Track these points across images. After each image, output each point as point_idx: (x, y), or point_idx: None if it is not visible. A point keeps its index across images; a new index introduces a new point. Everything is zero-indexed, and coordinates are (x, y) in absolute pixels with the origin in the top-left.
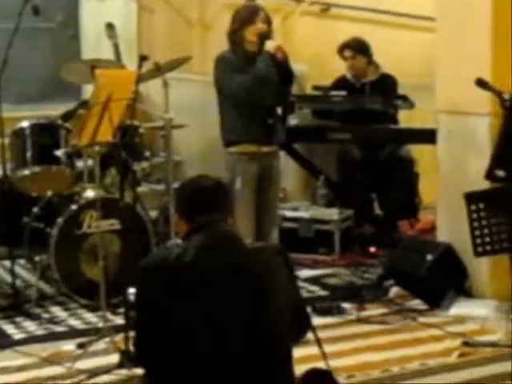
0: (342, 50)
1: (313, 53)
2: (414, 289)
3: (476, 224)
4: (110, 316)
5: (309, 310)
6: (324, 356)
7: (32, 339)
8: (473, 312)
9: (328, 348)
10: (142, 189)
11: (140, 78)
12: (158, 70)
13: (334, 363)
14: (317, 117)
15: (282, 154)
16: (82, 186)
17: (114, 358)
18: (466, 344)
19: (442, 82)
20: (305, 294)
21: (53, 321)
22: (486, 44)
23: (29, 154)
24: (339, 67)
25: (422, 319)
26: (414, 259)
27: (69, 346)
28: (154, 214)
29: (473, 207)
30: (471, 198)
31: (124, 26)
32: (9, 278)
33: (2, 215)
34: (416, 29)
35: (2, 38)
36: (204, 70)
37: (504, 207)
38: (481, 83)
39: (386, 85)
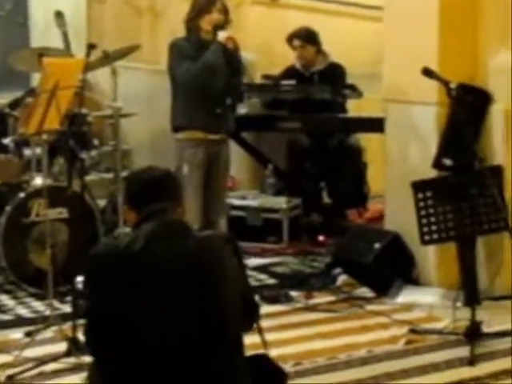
0: (290, 39)
1: (263, 42)
2: (361, 277)
3: (423, 212)
4: (57, 304)
5: (257, 298)
6: (265, 345)
7: None
8: (420, 300)
9: (276, 336)
10: (91, 177)
11: (88, 67)
12: (107, 59)
13: (282, 351)
14: (266, 106)
15: (231, 142)
16: (30, 175)
17: (62, 347)
18: (412, 331)
19: (389, 71)
20: (253, 283)
21: (0, 309)
22: (433, 34)
23: None
24: (289, 56)
25: (369, 307)
26: (362, 248)
27: (16, 334)
28: (102, 202)
29: (420, 196)
30: (418, 186)
31: (73, 15)
32: None
33: None
34: (365, 18)
35: None
36: (153, 58)
37: (451, 196)
38: (427, 72)
39: (335, 74)
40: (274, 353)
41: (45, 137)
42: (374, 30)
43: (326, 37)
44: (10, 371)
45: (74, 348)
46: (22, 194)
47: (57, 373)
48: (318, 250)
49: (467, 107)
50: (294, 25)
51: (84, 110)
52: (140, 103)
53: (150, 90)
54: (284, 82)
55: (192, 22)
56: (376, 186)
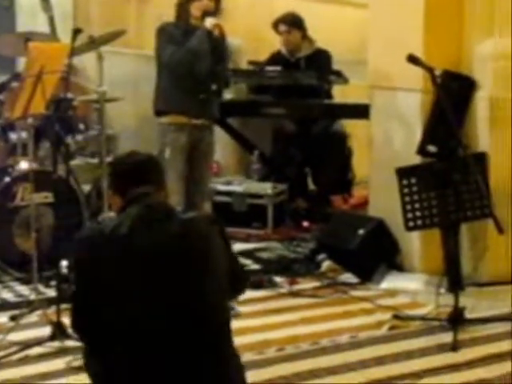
0: (276, 24)
1: (249, 27)
2: (345, 263)
3: (407, 199)
4: (42, 289)
5: None
6: None
7: None
8: (403, 286)
9: (259, 321)
10: (76, 162)
11: (73, 51)
12: (93, 44)
13: (265, 336)
14: (252, 92)
15: (217, 128)
16: (16, 159)
17: (46, 331)
18: (396, 317)
19: (374, 58)
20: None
21: None
22: (418, 20)
23: None
24: (275, 42)
25: (353, 293)
26: (346, 234)
27: (1, 318)
28: (87, 187)
29: (404, 182)
30: (403, 173)
31: None
32: None
33: None
34: (350, 5)
35: None
36: (139, 43)
37: (435, 182)
38: (412, 59)
39: (321, 59)
40: (257, 338)
41: (30, 121)
42: (359, 16)
43: (311, 23)
44: None
45: (59, 332)
46: (7, 178)
47: (41, 357)
48: (302, 236)
49: (452, 94)
50: (281, 11)
51: (69, 95)
52: (126, 88)
53: (135, 75)
54: (269, 68)
55: (182, 6)
56: (361, 172)
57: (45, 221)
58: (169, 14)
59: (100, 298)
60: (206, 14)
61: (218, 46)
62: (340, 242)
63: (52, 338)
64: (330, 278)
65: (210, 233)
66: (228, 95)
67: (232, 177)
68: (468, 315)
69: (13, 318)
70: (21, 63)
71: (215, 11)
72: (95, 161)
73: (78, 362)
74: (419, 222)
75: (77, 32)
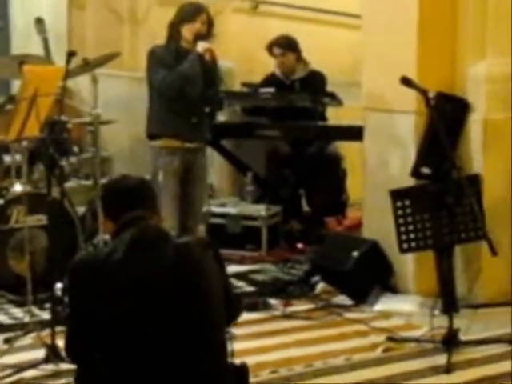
0: (270, 47)
1: (242, 49)
2: (340, 285)
3: (401, 221)
4: (36, 311)
5: None
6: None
7: None
8: (398, 308)
9: (253, 343)
10: (71, 184)
11: (68, 74)
12: (87, 66)
13: (259, 358)
14: (246, 113)
15: (211, 150)
16: (10, 181)
17: (41, 353)
18: (390, 339)
19: (368, 80)
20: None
21: None
22: (411, 42)
23: None
24: (268, 64)
25: (347, 315)
26: (341, 255)
27: None
28: (82, 209)
29: (398, 204)
30: (397, 195)
31: (53, 21)
32: None
33: None
34: (344, 26)
35: None
36: (134, 65)
37: (429, 204)
38: (406, 81)
39: (316, 81)
40: (251, 360)
41: (25, 144)
42: (353, 38)
43: (305, 45)
44: None
45: (53, 355)
46: (0, 201)
47: (35, 379)
48: (296, 258)
49: (445, 116)
50: (274, 33)
51: (64, 117)
52: (120, 110)
53: (129, 97)
54: (263, 90)
55: (174, 28)
56: (355, 193)
57: (39, 243)
58: (162, 36)
59: (94, 323)
60: (198, 37)
61: (209, 70)
62: (334, 264)
63: (46, 360)
64: (324, 300)
65: (205, 257)
66: (222, 117)
67: (226, 199)
68: (462, 337)
69: (7, 341)
70: (15, 85)
71: (207, 35)
72: (89, 183)
73: None
74: (413, 244)
75: (71, 55)
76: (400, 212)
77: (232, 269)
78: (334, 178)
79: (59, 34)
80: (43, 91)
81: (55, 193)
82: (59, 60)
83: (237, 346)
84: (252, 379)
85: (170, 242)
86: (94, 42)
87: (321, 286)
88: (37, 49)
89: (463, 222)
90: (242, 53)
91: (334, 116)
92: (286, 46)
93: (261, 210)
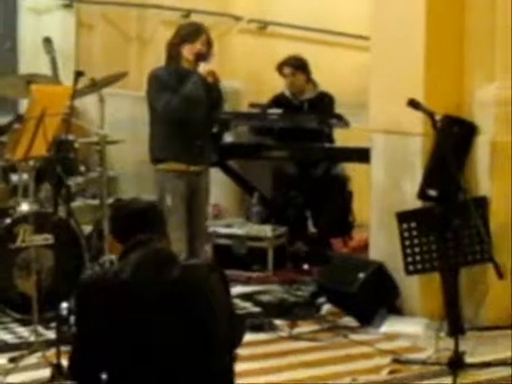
0: (281, 67)
1: (249, 70)
2: (345, 306)
3: (407, 243)
4: (42, 330)
5: None
6: None
7: None
8: (403, 330)
9: (259, 364)
10: (77, 203)
11: (75, 94)
12: (94, 86)
13: (265, 379)
14: (254, 133)
15: (217, 170)
16: (17, 200)
17: (46, 373)
18: (396, 361)
19: (375, 102)
20: (237, 311)
21: None
22: (419, 65)
23: None
24: (276, 84)
25: (353, 336)
26: (347, 277)
27: (1, 359)
28: (88, 228)
29: (404, 226)
30: (403, 217)
31: (61, 41)
32: None
33: None
34: (352, 48)
35: None
36: (141, 85)
37: (435, 227)
38: (413, 104)
39: (324, 103)
40: (257, 381)
41: (31, 163)
42: (361, 59)
43: (313, 66)
44: None
45: (58, 374)
46: (7, 220)
47: None
48: (302, 279)
49: (452, 138)
50: (281, 53)
51: (71, 137)
52: (127, 130)
53: (136, 117)
54: (271, 111)
55: (174, 48)
56: (361, 215)
57: (45, 262)
58: None
59: (101, 343)
60: (199, 58)
61: (212, 91)
62: (340, 286)
63: (51, 380)
64: (330, 322)
65: (211, 279)
66: (228, 138)
67: (232, 219)
68: (468, 359)
69: (12, 360)
70: (23, 105)
71: (208, 56)
72: (96, 202)
73: None
74: (419, 266)
75: (79, 74)
76: (406, 234)
77: (238, 289)
78: (341, 199)
79: (67, 54)
80: (51, 111)
81: (62, 212)
82: (67, 80)
83: (242, 366)
84: None
85: (176, 264)
86: (102, 62)
87: (327, 308)
88: (45, 68)
89: (469, 245)
90: (249, 73)
91: (342, 137)
92: (297, 66)
93: (267, 230)
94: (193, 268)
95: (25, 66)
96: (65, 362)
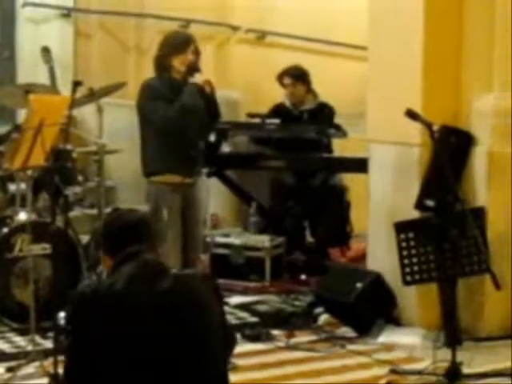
0: (281, 77)
1: (247, 80)
2: (343, 316)
3: (405, 253)
4: (39, 340)
5: (238, 336)
6: None
7: None
8: (401, 340)
9: (257, 374)
10: (75, 213)
11: (73, 104)
12: (92, 95)
13: None
14: (253, 142)
15: (215, 180)
16: (14, 210)
17: (43, 382)
18: (393, 372)
19: (373, 112)
20: (235, 321)
21: None
22: (417, 75)
23: None
24: (275, 94)
25: (350, 347)
26: (344, 287)
27: None
28: (86, 238)
29: (402, 236)
30: (401, 227)
31: (60, 50)
32: None
33: None
34: (350, 58)
35: None
36: None
37: (433, 237)
38: (411, 114)
39: (324, 114)
40: None
41: (29, 172)
42: (359, 69)
43: (311, 76)
44: None
45: None
46: (5, 229)
47: None
48: (300, 289)
49: (449, 149)
50: (279, 63)
51: (69, 146)
52: (125, 140)
53: (134, 126)
54: (268, 121)
55: (163, 60)
56: (359, 225)
57: (43, 272)
58: None
59: (94, 354)
60: (193, 69)
61: (210, 100)
62: (337, 296)
63: None
64: (328, 332)
65: (203, 288)
66: (226, 148)
67: (230, 229)
68: (465, 370)
69: (10, 370)
70: (21, 114)
71: (199, 67)
72: (94, 212)
73: None
74: (417, 277)
75: (77, 84)
76: (404, 244)
77: (235, 299)
78: (338, 209)
79: (65, 64)
80: (49, 120)
81: (59, 222)
82: (65, 89)
83: (240, 376)
84: None
85: (168, 274)
86: (100, 72)
87: (324, 318)
88: (43, 78)
89: (467, 255)
90: (247, 83)
91: (340, 147)
92: (297, 76)
93: (264, 240)
94: (185, 278)
95: (23, 76)
96: (62, 372)
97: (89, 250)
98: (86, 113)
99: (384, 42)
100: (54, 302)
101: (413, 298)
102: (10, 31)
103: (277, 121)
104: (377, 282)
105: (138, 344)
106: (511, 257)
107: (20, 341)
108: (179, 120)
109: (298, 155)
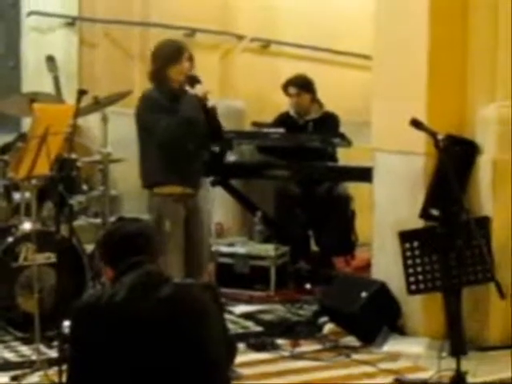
0: (286, 86)
1: (252, 89)
2: (348, 326)
3: (410, 262)
4: (44, 349)
5: (243, 345)
6: None
7: None
8: (406, 349)
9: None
10: (79, 222)
11: (78, 112)
12: (97, 104)
13: None
14: (258, 151)
15: (220, 189)
16: (19, 219)
17: None
18: (397, 381)
19: (378, 121)
20: (239, 330)
21: None
22: (421, 84)
23: None
24: (279, 103)
25: (355, 356)
26: (349, 296)
27: (3, 378)
28: (90, 247)
29: (407, 246)
30: (405, 236)
31: (64, 59)
32: None
33: None
34: (355, 67)
35: None
36: None
37: (437, 246)
38: (416, 123)
39: (329, 123)
40: None
41: (34, 182)
42: (364, 78)
43: (316, 85)
44: None
45: None
46: (10, 238)
47: None
48: (304, 298)
49: (454, 158)
50: (284, 72)
51: (74, 155)
52: (130, 149)
53: None
54: (273, 130)
55: (159, 72)
56: (364, 234)
57: (47, 281)
58: None
59: (95, 364)
60: (194, 81)
61: (214, 123)
62: (342, 305)
63: None
64: (332, 341)
65: (204, 297)
66: (231, 157)
67: (235, 238)
68: (470, 380)
69: (14, 379)
70: (26, 123)
71: (198, 77)
72: (98, 221)
73: None
74: (421, 286)
75: (82, 93)
76: (408, 253)
77: (240, 309)
78: (343, 218)
79: (70, 72)
80: (54, 129)
81: (64, 231)
82: (70, 98)
83: None
84: None
85: (169, 284)
86: (105, 80)
87: (329, 327)
88: (48, 87)
89: (472, 264)
90: (252, 92)
91: (345, 157)
92: (302, 86)
93: (269, 249)
94: (185, 287)
95: (28, 85)
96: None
97: (93, 259)
98: (91, 121)
99: (389, 51)
100: (58, 311)
101: (417, 308)
102: (15, 40)
103: (281, 130)
104: (381, 291)
105: (140, 353)
106: None
107: (25, 350)
108: (180, 132)
109: (302, 164)
